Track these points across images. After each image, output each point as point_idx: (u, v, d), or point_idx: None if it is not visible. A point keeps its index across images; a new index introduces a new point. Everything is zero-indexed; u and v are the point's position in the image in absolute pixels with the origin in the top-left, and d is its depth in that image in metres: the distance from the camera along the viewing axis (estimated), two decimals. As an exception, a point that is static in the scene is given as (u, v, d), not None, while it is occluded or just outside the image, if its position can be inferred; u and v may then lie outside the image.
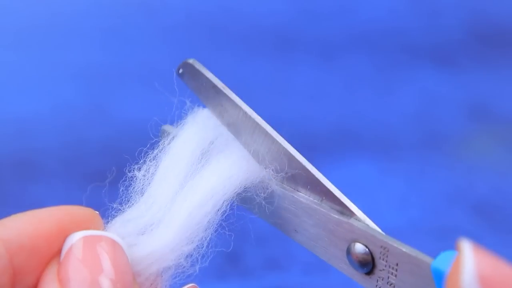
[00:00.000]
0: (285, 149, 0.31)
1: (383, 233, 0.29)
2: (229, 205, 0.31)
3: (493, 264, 0.21)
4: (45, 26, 0.78)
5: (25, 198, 0.57)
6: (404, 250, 0.28)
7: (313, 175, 0.31)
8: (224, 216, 0.31)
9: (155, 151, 0.32)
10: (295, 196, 0.31)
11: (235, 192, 0.31)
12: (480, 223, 0.55)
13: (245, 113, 0.32)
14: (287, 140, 0.32)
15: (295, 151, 0.31)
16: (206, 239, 0.29)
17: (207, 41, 0.77)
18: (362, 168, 0.60)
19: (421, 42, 0.77)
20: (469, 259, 0.22)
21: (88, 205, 0.28)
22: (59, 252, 0.26)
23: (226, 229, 0.30)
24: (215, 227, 0.30)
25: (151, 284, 0.28)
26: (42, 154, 0.62)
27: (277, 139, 0.31)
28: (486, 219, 0.55)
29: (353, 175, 0.60)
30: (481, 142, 0.64)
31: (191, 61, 0.33)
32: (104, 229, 0.28)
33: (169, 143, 0.32)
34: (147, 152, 0.31)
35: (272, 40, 0.77)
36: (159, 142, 0.32)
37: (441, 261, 0.26)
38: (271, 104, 0.67)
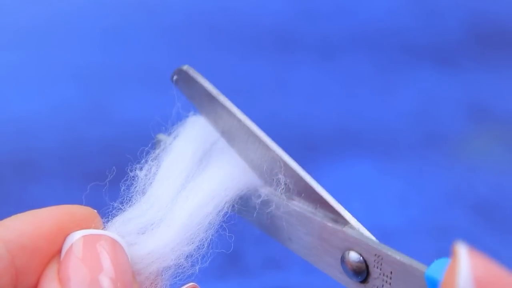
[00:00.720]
0: (279, 156, 0.31)
1: (377, 241, 0.29)
2: (230, 206, 0.31)
3: (488, 267, 0.21)
4: (45, 26, 0.78)
5: (25, 198, 0.57)
6: (398, 258, 0.28)
7: (307, 183, 0.31)
8: (225, 217, 0.31)
9: (157, 151, 0.32)
10: (289, 204, 0.31)
11: (237, 194, 0.31)
12: (479, 223, 0.55)
13: (239, 120, 0.31)
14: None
15: (289, 158, 0.31)
16: (206, 240, 0.29)
17: (207, 41, 0.77)
18: (362, 168, 0.60)
19: (421, 42, 0.77)
20: (464, 262, 0.21)
21: (88, 204, 0.28)
22: (59, 251, 0.26)
23: (227, 230, 0.30)
24: (216, 228, 0.30)
25: (151, 283, 0.28)
26: (42, 153, 0.62)
27: (271, 146, 0.31)
28: (486, 219, 0.55)
29: (353, 175, 0.60)
30: (481, 142, 0.64)
31: (185, 67, 0.32)
32: (103, 228, 0.28)
33: (170, 144, 0.32)
34: (148, 152, 0.31)
35: (272, 40, 0.77)
36: (154, 148, 0.32)
37: (435, 269, 0.26)
38: (271, 104, 0.67)
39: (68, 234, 0.26)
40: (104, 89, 0.70)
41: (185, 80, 0.32)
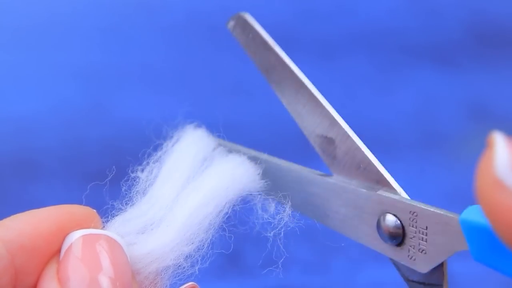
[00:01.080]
0: (328, 112, 0.31)
1: (410, 199, 0.29)
2: (231, 207, 0.31)
3: None
4: (45, 26, 0.78)
5: (25, 197, 0.57)
6: (432, 210, 0.28)
7: (353, 142, 0.31)
8: (226, 218, 0.31)
9: (159, 153, 0.32)
10: (322, 177, 0.32)
11: (238, 196, 0.31)
12: (480, 223, 0.54)
13: (292, 71, 0.32)
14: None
15: (338, 116, 0.31)
16: (206, 240, 0.29)
17: (207, 41, 0.77)
18: (362, 168, 0.60)
19: (421, 42, 0.77)
20: (501, 147, 0.22)
21: (88, 204, 0.28)
22: (58, 251, 0.26)
23: (227, 230, 0.30)
24: (217, 229, 0.30)
25: (151, 283, 0.28)
26: (42, 153, 0.62)
27: (321, 101, 0.32)
28: (486, 219, 0.55)
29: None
30: (481, 142, 0.64)
31: (244, 14, 0.32)
32: (103, 228, 0.28)
33: (172, 146, 0.32)
34: (150, 153, 0.31)
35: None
36: (161, 144, 0.32)
37: (469, 213, 0.26)
38: (270, 104, 0.67)
39: (67, 234, 0.26)
40: (104, 89, 0.70)
41: (242, 27, 0.33)
